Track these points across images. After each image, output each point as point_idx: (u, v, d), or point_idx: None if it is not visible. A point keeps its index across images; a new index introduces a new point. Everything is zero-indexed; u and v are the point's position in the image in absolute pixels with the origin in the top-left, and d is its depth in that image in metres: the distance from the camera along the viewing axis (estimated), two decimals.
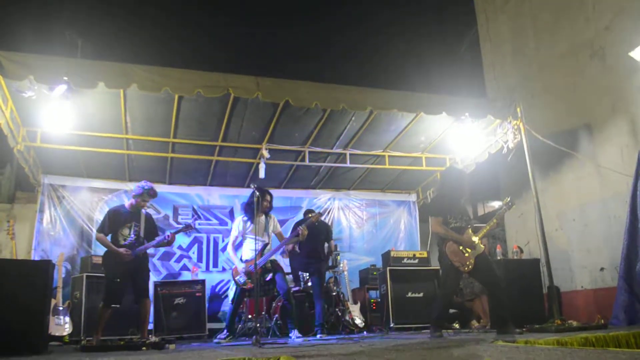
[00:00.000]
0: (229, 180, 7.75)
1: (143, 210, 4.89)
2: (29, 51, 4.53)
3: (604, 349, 2.95)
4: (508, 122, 5.86)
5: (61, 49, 10.56)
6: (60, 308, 5.76)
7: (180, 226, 5.12)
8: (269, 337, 5.72)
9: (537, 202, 5.39)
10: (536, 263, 5.87)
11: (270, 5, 15.85)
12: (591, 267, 6.15)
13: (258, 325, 4.47)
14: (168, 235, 4.79)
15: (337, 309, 6.43)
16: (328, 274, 6.71)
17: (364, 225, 8.47)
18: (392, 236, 8.50)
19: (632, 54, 5.27)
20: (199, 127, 6.13)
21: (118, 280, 4.58)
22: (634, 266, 4.67)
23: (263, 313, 5.93)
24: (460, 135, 6.29)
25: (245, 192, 6.98)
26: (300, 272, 6.34)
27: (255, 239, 4.96)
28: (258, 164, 6.61)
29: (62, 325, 5.66)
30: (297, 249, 6.01)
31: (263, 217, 5.27)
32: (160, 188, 6.73)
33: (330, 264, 6.67)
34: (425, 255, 6.70)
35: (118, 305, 4.58)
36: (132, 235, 4.72)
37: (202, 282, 6.56)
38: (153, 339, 4.45)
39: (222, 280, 7.46)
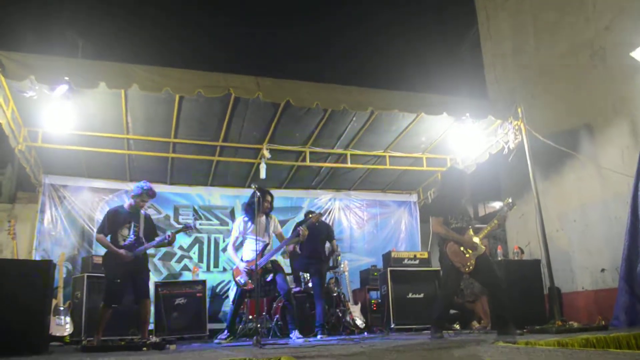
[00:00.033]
0: (230, 181, 7.75)
1: (142, 211, 4.90)
2: (29, 51, 4.54)
3: (605, 350, 2.95)
4: (509, 123, 5.86)
5: (62, 49, 10.56)
6: (61, 308, 5.77)
7: (181, 226, 5.13)
8: (270, 337, 5.72)
9: (538, 203, 5.38)
10: (537, 264, 5.88)
11: (270, 5, 15.84)
12: (592, 268, 6.14)
13: (259, 325, 4.48)
14: (168, 236, 4.80)
15: (337, 310, 6.44)
16: (329, 275, 6.71)
17: (364, 226, 8.46)
18: (392, 237, 8.49)
19: (633, 54, 5.25)
20: (200, 127, 6.14)
21: (118, 280, 4.58)
22: (635, 267, 4.66)
23: (264, 314, 5.93)
24: (461, 136, 6.29)
25: (246, 193, 6.98)
26: (300, 273, 6.35)
27: (256, 240, 4.97)
28: (259, 164, 6.61)
29: (62, 326, 5.67)
30: (297, 249, 6.01)
31: (264, 217, 5.26)
32: (161, 188, 6.78)
33: (330, 264, 6.67)
34: (426, 255, 6.69)
35: (118, 306, 4.58)
36: (132, 236, 4.72)
37: (203, 282, 6.55)
38: (154, 339, 4.46)
39: (223, 281, 7.46)
